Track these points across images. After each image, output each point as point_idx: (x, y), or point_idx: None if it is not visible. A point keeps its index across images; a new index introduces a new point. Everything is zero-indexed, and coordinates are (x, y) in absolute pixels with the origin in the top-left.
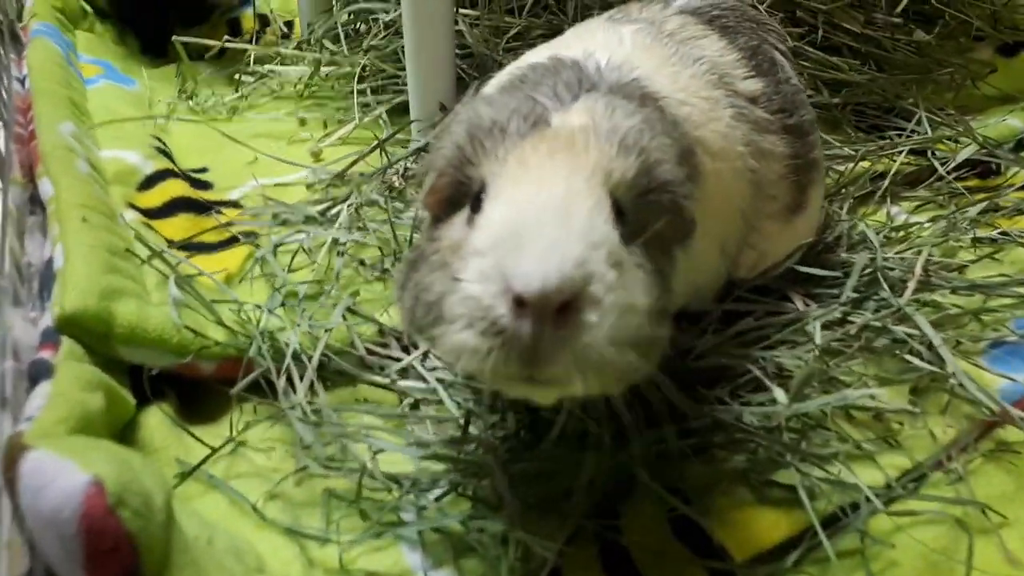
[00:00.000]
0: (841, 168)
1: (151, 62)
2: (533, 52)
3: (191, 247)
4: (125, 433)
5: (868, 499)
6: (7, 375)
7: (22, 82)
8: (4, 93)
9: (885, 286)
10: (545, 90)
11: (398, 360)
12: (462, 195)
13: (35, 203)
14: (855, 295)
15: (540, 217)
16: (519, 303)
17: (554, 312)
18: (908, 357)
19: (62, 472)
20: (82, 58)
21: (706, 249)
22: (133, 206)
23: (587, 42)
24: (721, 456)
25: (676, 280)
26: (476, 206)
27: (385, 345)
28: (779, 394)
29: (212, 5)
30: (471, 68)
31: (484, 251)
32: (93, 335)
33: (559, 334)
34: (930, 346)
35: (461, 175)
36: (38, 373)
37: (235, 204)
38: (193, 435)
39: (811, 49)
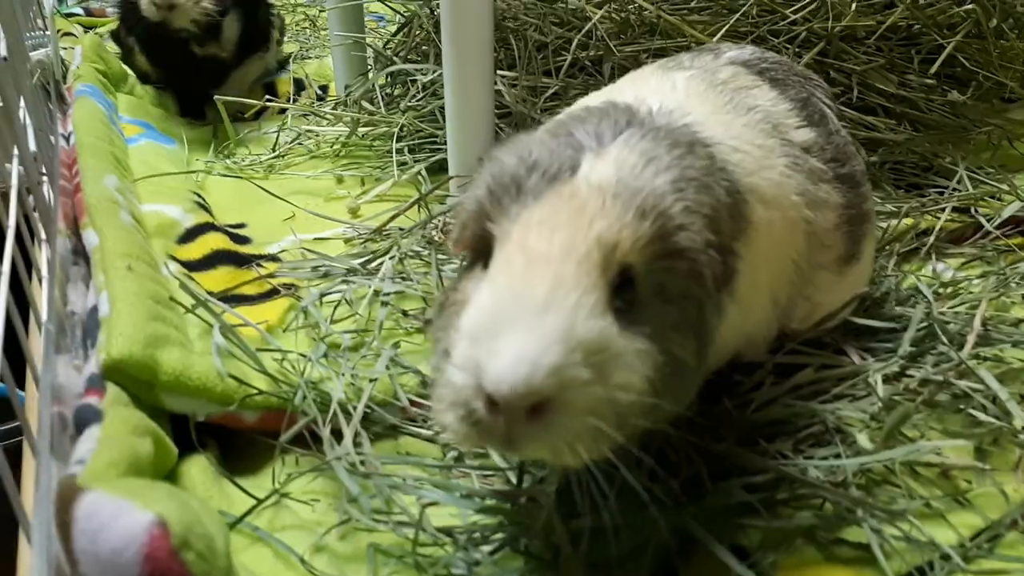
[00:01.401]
0: (883, 224)
1: (189, 124)
2: (590, 97)
3: (232, 299)
4: (167, 482)
5: (944, 558)
6: (53, 420)
7: (67, 139)
8: (49, 147)
9: (944, 339)
10: (588, 128)
11: None
12: (482, 250)
13: (78, 254)
14: (912, 348)
15: (520, 313)
16: (491, 401)
17: (525, 412)
18: (973, 412)
19: (123, 512)
20: (123, 119)
21: (756, 298)
22: (174, 258)
23: (640, 88)
24: (786, 512)
25: (726, 327)
26: (486, 267)
27: (428, 396)
28: (862, 439)
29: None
30: (509, 126)
31: (466, 337)
32: (138, 383)
33: (531, 429)
34: (994, 400)
35: (480, 229)
36: (85, 418)
37: (274, 258)
38: (238, 485)
39: (847, 109)
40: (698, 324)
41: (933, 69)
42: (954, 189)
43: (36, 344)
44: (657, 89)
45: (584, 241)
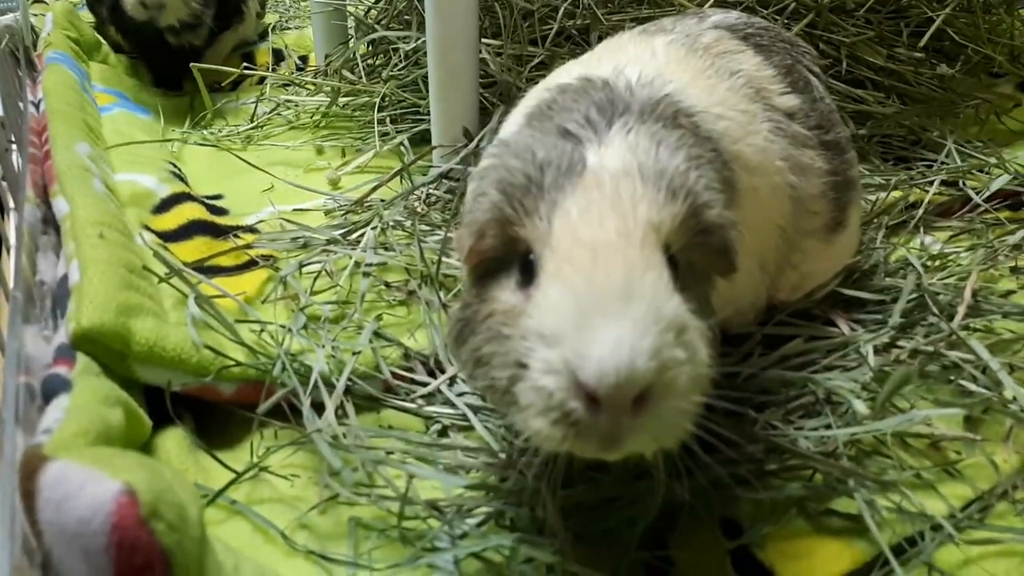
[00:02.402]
0: (872, 197)
1: (165, 94)
2: (562, 70)
3: (208, 270)
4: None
5: (935, 528)
6: (20, 390)
7: (36, 106)
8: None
9: (935, 310)
10: (576, 116)
11: (424, 385)
12: (506, 256)
13: (48, 223)
14: (903, 319)
15: (604, 303)
16: (592, 399)
17: (630, 404)
18: (963, 382)
19: (89, 481)
20: (96, 87)
21: (744, 266)
22: (148, 228)
23: (618, 57)
24: (775, 484)
25: (715, 296)
26: (526, 271)
27: (410, 369)
28: (859, 406)
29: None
30: (493, 95)
31: (549, 339)
32: (110, 352)
33: (635, 422)
34: (985, 371)
35: (503, 237)
36: (53, 388)
37: (252, 229)
38: (216, 457)
39: (835, 82)
40: (707, 296)
41: (922, 42)
42: (942, 162)
43: (3, 313)
44: (636, 57)
45: (637, 225)
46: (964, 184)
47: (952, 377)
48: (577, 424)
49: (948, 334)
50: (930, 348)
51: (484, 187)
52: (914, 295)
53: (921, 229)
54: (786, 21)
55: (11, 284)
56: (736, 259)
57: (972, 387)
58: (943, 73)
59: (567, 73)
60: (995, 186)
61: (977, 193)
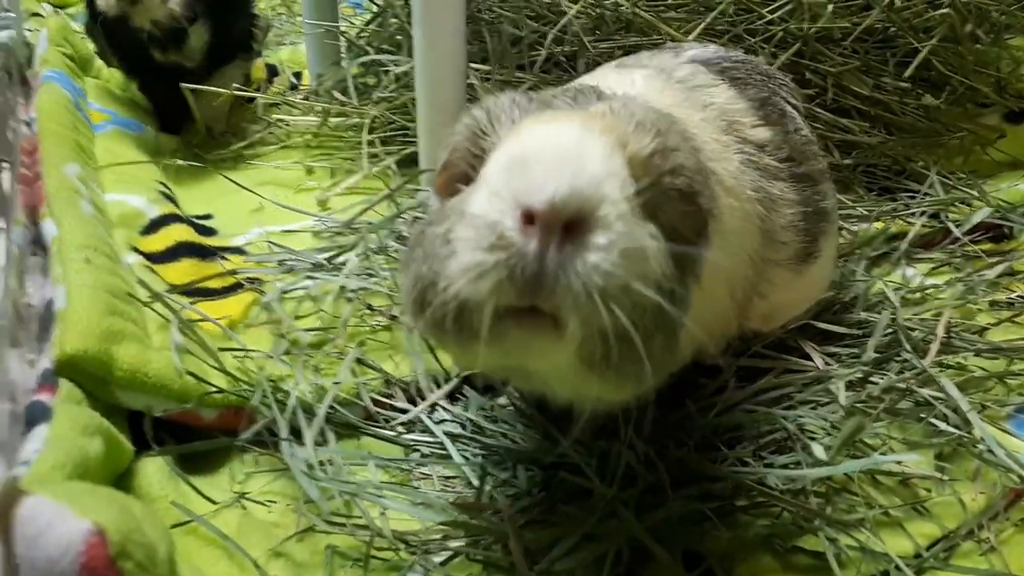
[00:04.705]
0: (855, 228)
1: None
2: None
3: (194, 292)
4: (121, 481)
5: (899, 568)
6: (3, 417)
7: (29, 125)
8: (10, 135)
9: (908, 346)
10: (565, 99)
11: (404, 412)
12: (473, 168)
13: (37, 244)
14: (877, 355)
15: (554, 142)
16: (527, 218)
17: (562, 228)
18: (934, 421)
19: (60, 519)
20: (92, 105)
21: (716, 287)
22: (136, 250)
23: (600, 83)
24: (744, 520)
25: (690, 314)
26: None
27: (391, 396)
28: (817, 450)
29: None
30: None
31: (492, 175)
32: (92, 378)
33: (565, 255)
34: (956, 410)
35: (475, 147)
36: (35, 416)
37: (240, 251)
38: (194, 487)
39: (821, 111)
40: (681, 271)
41: (908, 72)
42: (925, 194)
43: None
44: (617, 83)
45: (601, 126)
46: (946, 217)
47: (923, 415)
48: (508, 248)
49: (920, 371)
50: (902, 385)
51: (462, 120)
52: (889, 330)
53: (903, 261)
54: (773, 50)
55: None
56: (704, 212)
57: (942, 426)
58: (928, 104)
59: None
60: (975, 219)
61: (958, 225)
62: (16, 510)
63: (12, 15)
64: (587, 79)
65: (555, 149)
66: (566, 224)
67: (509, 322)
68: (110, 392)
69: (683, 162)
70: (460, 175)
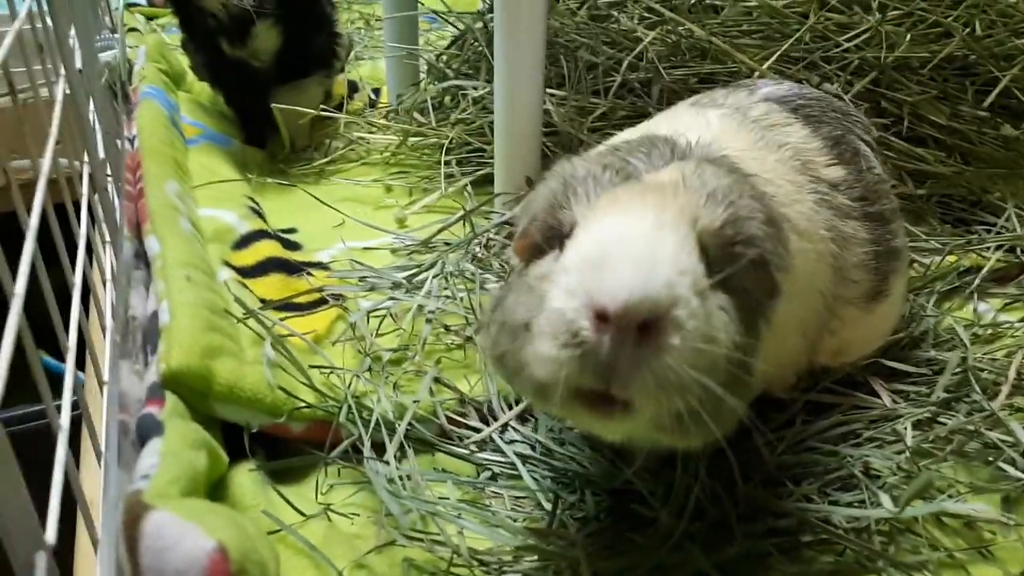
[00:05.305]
0: (927, 261)
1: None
2: (626, 132)
3: (283, 307)
4: (216, 490)
5: None
6: (121, 430)
7: (131, 142)
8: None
9: (977, 388)
10: (639, 156)
11: (477, 431)
12: (553, 238)
13: (139, 257)
14: (946, 395)
15: (628, 241)
16: (601, 317)
17: (635, 330)
18: (1002, 465)
19: (187, 535)
20: (184, 119)
21: (788, 327)
22: (228, 264)
23: (675, 124)
24: (807, 556)
25: (761, 356)
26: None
27: (464, 415)
28: (885, 499)
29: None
30: (556, 146)
31: (570, 270)
32: (194, 392)
33: (639, 352)
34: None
35: (552, 219)
36: (147, 429)
37: (323, 266)
38: (285, 498)
39: (896, 140)
40: (752, 326)
41: (987, 101)
42: (1002, 227)
43: (98, 344)
44: (692, 125)
45: (674, 205)
46: (1022, 251)
47: (991, 458)
48: (583, 345)
49: (989, 414)
50: (970, 427)
51: (546, 182)
52: (959, 370)
53: (975, 295)
54: (849, 77)
55: (108, 325)
56: (775, 279)
57: (1010, 470)
58: (1007, 134)
59: (629, 133)
60: None
61: None
62: (142, 524)
63: (116, 35)
64: (663, 118)
65: (629, 250)
66: (639, 325)
67: (583, 402)
68: (209, 405)
69: (755, 232)
70: (539, 244)
